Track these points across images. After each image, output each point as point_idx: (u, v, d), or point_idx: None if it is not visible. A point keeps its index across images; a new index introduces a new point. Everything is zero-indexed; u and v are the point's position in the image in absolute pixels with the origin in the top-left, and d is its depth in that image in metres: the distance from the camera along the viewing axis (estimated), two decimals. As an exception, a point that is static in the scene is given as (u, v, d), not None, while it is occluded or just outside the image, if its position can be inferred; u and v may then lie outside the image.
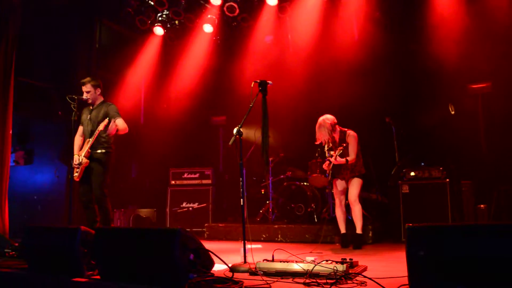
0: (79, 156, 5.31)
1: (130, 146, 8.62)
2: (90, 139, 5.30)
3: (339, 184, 5.80)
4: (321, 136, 5.61)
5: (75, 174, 5.34)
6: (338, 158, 5.51)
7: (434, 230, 2.56)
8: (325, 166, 5.78)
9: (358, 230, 5.64)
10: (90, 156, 5.30)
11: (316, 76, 7.84)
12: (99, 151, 5.35)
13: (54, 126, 7.83)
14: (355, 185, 5.67)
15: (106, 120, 5.17)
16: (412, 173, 6.35)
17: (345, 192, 5.80)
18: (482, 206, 6.26)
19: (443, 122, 7.16)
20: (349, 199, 5.67)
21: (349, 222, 6.71)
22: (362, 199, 7.44)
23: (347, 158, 5.53)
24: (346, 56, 7.57)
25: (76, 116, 5.28)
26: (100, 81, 5.60)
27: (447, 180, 6.11)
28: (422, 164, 6.48)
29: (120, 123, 5.26)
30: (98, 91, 5.53)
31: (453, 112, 7.31)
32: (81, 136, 5.53)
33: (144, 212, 8.49)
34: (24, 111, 7.45)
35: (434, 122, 7.19)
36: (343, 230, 5.80)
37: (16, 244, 4.95)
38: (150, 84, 9.45)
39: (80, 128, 5.56)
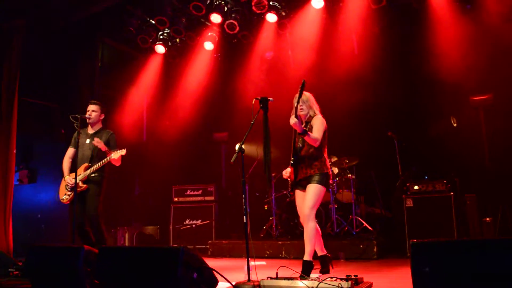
0: (75, 179, 5.13)
1: (132, 163, 8.63)
2: (89, 164, 5.30)
3: (300, 196, 4.52)
4: (303, 109, 4.50)
5: (65, 197, 5.29)
6: (295, 120, 4.18)
7: (439, 246, 2.54)
8: (285, 174, 4.57)
9: (306, 256, 4.30)
10: (86, 180, 5.29)
11: (317, 91, 7.85)
12: (94, 174, 5.31)
13: (57, 145, 7.86)
14: (311, 193, 4.31)
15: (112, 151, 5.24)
16: (416, 187, 6.32)
17: None
18: (487, 219, 6.22)
19: (446, 135, 7.16)
20: (302, 211, 4.39)
21: (353, 236, 6.67)
22: (366, 213, 7.46)
23: (309, 132, 4.28)
24: (347, 71, 7.61)
25: (79, 136, 5.29)
26: (105, 110, 5.65)
27: (451, 193, 6.08)
28: (426, 177, 6.45)
29: (116, 157, 5.28)
30: (102, 116, 5.58)
31: (455, 125, 7.32)
32: (70, 158, 5.46)
33: (147, 229, 8.47)
34: (27, 130, 7.49)
35: (437, 135, 7.19)
36: (320, 252, 4.62)
37: (20, 264, 4.94)
38: (152, 102, 9.51)
39: (71, 150, 5.49)
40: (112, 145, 5.40)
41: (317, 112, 4.56)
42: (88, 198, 5.26)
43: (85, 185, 5.24)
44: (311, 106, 4.54)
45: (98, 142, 5.23)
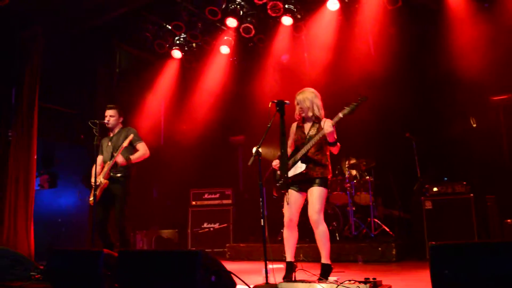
0: (98, 178, 5.20)
1: (151, 167, 8.71)
2: (110, 161, 5.29)
3: (293, 195, 4.36)
4: (303, 110, 4.38)
5: (91, 198, 5.28)
6: (332, 129, 4.05)
7: (459, 248, 2.51)
8: (275, 164, 4.40)
9: (324, 259, 4.23)
10: (110, 178, 5.25)
11: (334, 94, 7.81)
12: (119, 174, 5.30)
13: (77, 150, 7.99)
14: (316, 196, 4.20)
15: (132, 136, 5.22)
16: (435, 189, 6.25)
17: (300, 207, 4.42)
18: (509, 221, 6.09)
19: (465, 136, 7.06)
20: (310, 216, 4.21)
21: (371, 239, 6.62)
22: (384, 215, 7.39)
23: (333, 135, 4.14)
24: (363, 72, 7.57)
25: (98, 141, 5.33)
26: (123, 112, 5.70)
27: (471, 195, 5.99)
28: (445, 179, 6.38)
29: (141, 148, 5.34)
30: (121, 119, 5.61)
31: (474, 125, 7.21)
32: (99, 166, 5.47)
33: (166, 233, 8.53)
34: (48, 135, 7.63)
35: (456, 136, 7.09)
36: (289, 257, 4.37)
37: (41, 267, 5.02)
38: (170, 106, 9.59)
39: (100, 158, 5.51)
40: (135, 140, 5.37)
41: (322, 112, 4.39)
42: (115, 201, 5.25)
43: (106, 181, 5.20)
44: (310, 107, 4.34)
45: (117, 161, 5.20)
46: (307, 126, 4.42)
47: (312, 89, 4.46)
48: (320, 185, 4.23)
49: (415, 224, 6.55)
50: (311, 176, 4.26)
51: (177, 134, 9.59)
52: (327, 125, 4.06)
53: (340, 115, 4.10)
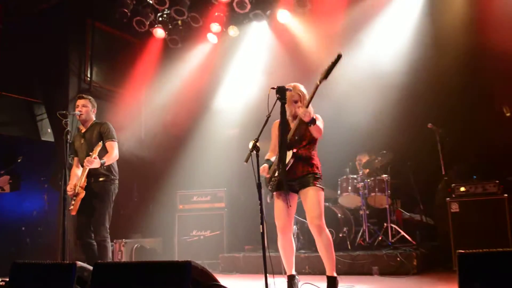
0: (76, 187, 5.23)
1: (130, 165, 8.69)
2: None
3: (283, 199, 4.41)
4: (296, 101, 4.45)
5: (71, 207, 5.29)
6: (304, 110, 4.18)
7: (491, 257, 2.52)
8: (263, 170, 4.43)
9: (329, 272, 4.33)
10: (88, 186, 5.25)
11: (347, 81, 7.82)
12: (100, 179, 5.34)
13: (43, 146, 7.96)
14: (314, 199, 4.28)
15: (100, 144, 5.21)
16: (462, 189, 6.26)
17: (293, 212, 4.56)
18: (548, 225, 6.13)
19: (497, 127, 7.06)
20: (310, 222, 4.30)
21: (388, 248, 6.65)
22: (403, 220, 7.41)
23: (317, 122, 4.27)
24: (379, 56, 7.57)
25: (67, 135, 5.31)
26: (95, 105, 5.67)
27: (505, 195, 6.00)
28: (474, 177, 6.39)
29: (112, 150, 5.32)
30: (94, 111, 5.60)
31: (508, 114, 7.22)
32: (77, 167, 5.52)
33: (148, 242, 8.51)
34: (9, 130, 7.60)
35: (486, 127, 7.10)
36: (290, 271, 4.52)
37: (3, 283, 5.01)
38: (151, 94, 9.56)
39: (76, 159, 5.56)
40: (106, 136, 5.38)
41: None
42: (93, 211, 5.28)
43: (83, 191, 5.21)
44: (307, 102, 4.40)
45: (89, 162, 5.17)
46: (294, 122, 4.46)
47: None
48: (315, 184, 4.31)
49: (439, 230, 6.57)
50: (302, 173, 4.35)
51: (160, 126, 9.55)
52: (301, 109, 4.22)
53: (317, 82, 4.19)
